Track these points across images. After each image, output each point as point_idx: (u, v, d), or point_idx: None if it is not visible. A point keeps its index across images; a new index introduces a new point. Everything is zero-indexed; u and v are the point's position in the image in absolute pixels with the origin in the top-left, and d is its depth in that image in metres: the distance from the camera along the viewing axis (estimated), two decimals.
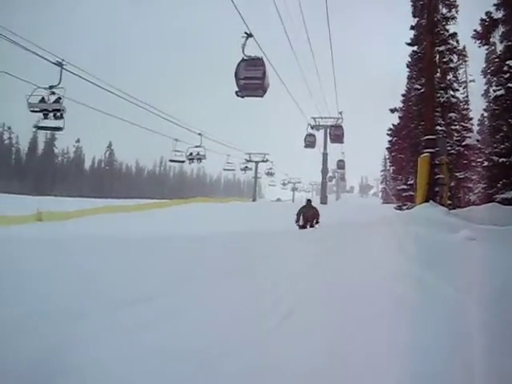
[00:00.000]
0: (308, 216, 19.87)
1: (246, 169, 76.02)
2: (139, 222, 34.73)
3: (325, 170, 76.32)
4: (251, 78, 18.18)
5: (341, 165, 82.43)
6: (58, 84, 25.60)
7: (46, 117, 27.89)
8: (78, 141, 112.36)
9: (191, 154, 48.26)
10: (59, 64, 25.04)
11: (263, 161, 78.85)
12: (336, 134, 59.11)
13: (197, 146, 47.52)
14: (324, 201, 72.83)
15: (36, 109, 27.51)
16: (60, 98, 26.67)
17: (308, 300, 5.83)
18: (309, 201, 21.85)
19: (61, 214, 40.93)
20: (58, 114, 27.49)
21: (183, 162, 49.24)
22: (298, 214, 19.93)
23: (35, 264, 8.69)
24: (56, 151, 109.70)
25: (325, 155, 74.17)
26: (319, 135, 66.62)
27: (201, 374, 3.56)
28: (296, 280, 6.86)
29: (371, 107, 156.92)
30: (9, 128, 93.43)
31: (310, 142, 58.48)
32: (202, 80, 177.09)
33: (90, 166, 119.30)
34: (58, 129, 27.86)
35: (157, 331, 4.53)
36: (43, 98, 26.95)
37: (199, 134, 46.27)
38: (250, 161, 76.89)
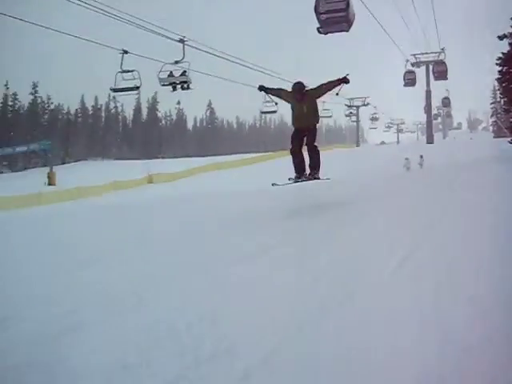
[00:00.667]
0: None
1: (350, 115, 74.67)
2: (247, 177, 35.56)
3: (429, 109, 73.80)
4: (333, 11, 16.43)
5: (446, 102, 78.55)
6: (183, 59, 27.69)
7: (174, 89, 30.05)
8: (178, 103, 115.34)
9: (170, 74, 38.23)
10: (181, 41, 27.11)
11: (364, 105, 77.50)
12: (439, 70, 56.22)
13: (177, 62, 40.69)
14: (430, 140, 70.77)
15: (166, 83, 29.66)
16: (185, 71, 28.86)
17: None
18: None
19: (170, 175, 42.58)
20: (185, 85, 29.61)
21: (275, 112, 47.75)
22: None
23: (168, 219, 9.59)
24: (159, 115, 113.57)
25: (428, 93, 71.68)
26: (420, 72, 64.54)
27: None
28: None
29: (476, 34, 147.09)
30: (113, 98, 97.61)
31: (409, 79, 55.39)
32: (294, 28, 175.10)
33: (193, 125, 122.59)
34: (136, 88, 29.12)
35: None
36: (171, 73, 29.25)
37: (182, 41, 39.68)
38: (351, 106, 75.66)
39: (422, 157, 34.21)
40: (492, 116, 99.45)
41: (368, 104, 77.37)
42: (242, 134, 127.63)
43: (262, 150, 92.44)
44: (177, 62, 27.77)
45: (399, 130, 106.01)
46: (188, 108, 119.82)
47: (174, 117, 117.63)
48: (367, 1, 19.69)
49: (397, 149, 63.78)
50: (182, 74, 29.20)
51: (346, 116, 76.96)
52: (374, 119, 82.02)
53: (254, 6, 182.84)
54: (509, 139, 27.74)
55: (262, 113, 50.01)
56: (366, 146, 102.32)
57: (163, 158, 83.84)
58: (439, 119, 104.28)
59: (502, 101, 36.44)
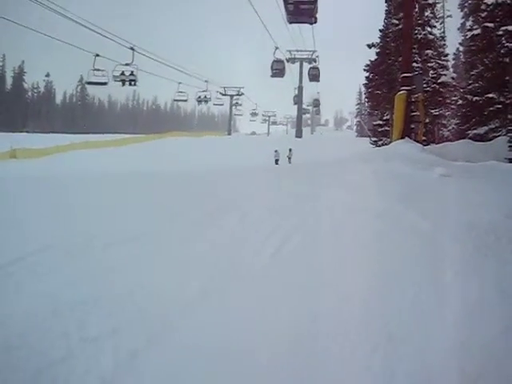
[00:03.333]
0: None
1: (203, 99, 68.40)
2: (117, 158, 34.83)
3: (300, 104, 76.53)
4: (301, 3, 16.55)
5: (316, 103, 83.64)
6: (132, 62, 35.34)
7: (123, 84, 39.14)
8: (47, 75, 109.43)
9: (122, 73, 40.23)
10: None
11: (238, 94, 78.52)
12: (313, 73, 60.31)
13: (126, 64, 38.94)
14: (299, 134, 73.43)
15: (118, 79, 38.91)
16: (133, 72, 38.09)
17: (296, 233, 6.44)
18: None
19: (36, 151, 40.33)
20: (133, 82, 38.76)
21: (185, 100, 52.35)
22: None
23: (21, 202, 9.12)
24: (26, 86, 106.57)
25: (300, 88, 74.25)
26: (295, 68, 67.01)
27: None
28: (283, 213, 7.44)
29: (347, 42, 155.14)
30: None
31: (277, 69, 48.88)
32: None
33: (62, 101, 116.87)
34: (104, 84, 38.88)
35: None
36: (123, 72, 38.34)
37: (131, 49, 37.28)
38: (224, 94, 76.43)
39: (290, 150, 35.57)
40: (356, 116, 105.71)
41: (242, 94, 78.56)
42: (114, 114, 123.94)
43: (133, 131, 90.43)
44: (127, 64, 34.64)
45: (269, 122, 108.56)
46: (58, 82, 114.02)
47: (42, 89, 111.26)
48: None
49: (267, 140, 65.69)
50: (131, 74, 38.15)
51: (199, 101, 72.47)
52: (236, 104, 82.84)
53: None
54: (371, 140, 29.50)
55: (175, 100, 56.26)
56: (237, 135, 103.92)
57: (28, 132, 78.87)
58: (308, 115, 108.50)
59: (367, 104, 38.73)
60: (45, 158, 37.59)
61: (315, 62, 60.79)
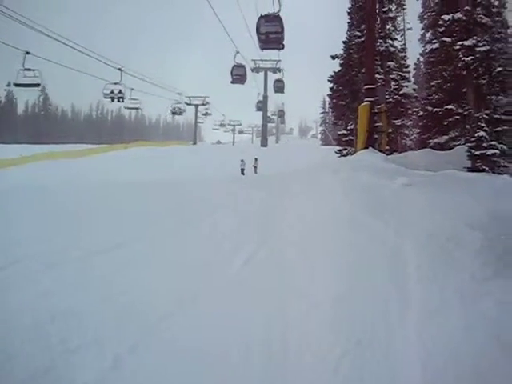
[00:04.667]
0: None
1: (177, 112, 68.91)
2: (83, 169, 34.53)
3: (265, 113, 77.02)
4: (271, 33, 19.86)
5: (281, 114, 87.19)
6: (120, 81, 38.10)
7: (112, 101, 42.33)
8: (8, 84, 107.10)
9: (112, 91, 43.40)
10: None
11: (203, 104, 78.41)
12: (278, 86, 62.63)
13: (116, 83, 42.78)
14: (264, 143, 73.80)
15: (108, 97, 41.87)
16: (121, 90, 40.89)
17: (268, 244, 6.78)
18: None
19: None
20: (121, 99, 42.52)
21: (138, 108, 50.55)
22: None
23: None
24: None
25: (265, 98, 74.82)
26: (259, 76, 67.69)
27: None
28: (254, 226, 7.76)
29: (311, 51, 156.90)
30: None
31: (238, 75, 43.90)
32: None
33: (24, 111, 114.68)
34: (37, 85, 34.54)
35: None
36: (112, 90, 41.01)
37: (119, 69, 41.11)
38: (189, 104, 76.27)
39: (256, 159, 35.89)
40: (321, 125, 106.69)
41: (207, 103, 78.53)
42: (77, 123, 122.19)
43: (97, 141, 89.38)
44: (116, 84, 36.23)
45: (235, 131, 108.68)
46: (19, 91, 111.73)
47: (3, 99, 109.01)
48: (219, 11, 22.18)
49: (232, 149, 65.86)
50: (119, 92, 41.73)
51: (173, 114, 71.88)
52: (206, 114, 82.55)
53: None
54: (335, 149, 29.93)
55: (126, 108, 52.24)
56: (203, 144, 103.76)
57: None
58: (273, 124, 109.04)
59: (332, 114, 39.28)
60: (9, 169, 37.00)
61: (279, 71, 61.36)
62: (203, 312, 4.79)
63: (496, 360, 3.63)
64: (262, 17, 20.06)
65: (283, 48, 21.04)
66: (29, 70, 33.12)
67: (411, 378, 3.60)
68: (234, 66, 40.13)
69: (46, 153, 47.50)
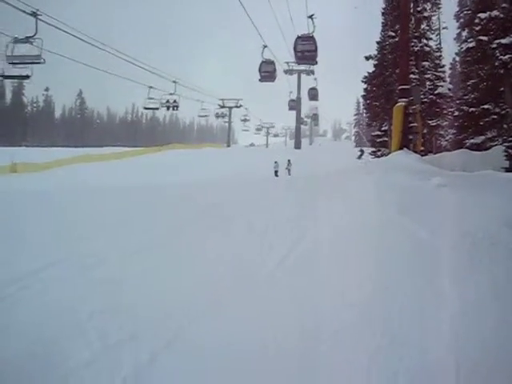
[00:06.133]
0: None
1: (220, 115, 76.10)
2: (120, 171, 35.04)
3: (298, 115, 77.00)
4: (306, 51, 23.58)
5: (313, 93, 70.29)
6: (35, 34, 25.30)
7: (168, 109, 47.23)
8: (46, 89, 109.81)
9: (167, 101, 49.32)
10: (34, 14, 24.45)
11: (237, 106, 78.58)
12: (312, 94, 66.11)
13: (171, 94, 48.44)
14: (298, 146, 73.79)
15: (164, 105, 47.71)
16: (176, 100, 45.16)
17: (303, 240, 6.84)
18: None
19: (36, 165, 40.18)
20: (176, 108, 48.37)
21: (157, 109, 49.74)
22: None
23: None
24: (25, 100, 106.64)
25: (298, 99, 74.86)
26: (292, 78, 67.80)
27: None
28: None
29: (345, 53, 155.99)
30: None
31: (267, 72, 37.19)
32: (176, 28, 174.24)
33: (61, 114, 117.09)
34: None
35: None
36: (168, 100, 47.11)
37: (174, 82, 46.72)
38: (223, 106, 76.75)
39: (289, 161, 35.93)
40: (355, 127, 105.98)
41: (241, 106, 78.72)
42: (113, 127, 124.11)
43: (132, 144, 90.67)
44: (28, 38, 25.54)
45: (268, 133, 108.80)
46: (57, 96, 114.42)
47: (42, 104, 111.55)
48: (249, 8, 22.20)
49: (266, 151, 66.03)
50: (174, 101, 48.00)
51: (217, 117, 78.18)
52: (244, 120, 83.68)
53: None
54: (369, 151, 29.82)
55: (146, 108, 51.52)
56: (236, 146, 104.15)
57: (27, 146, 78.94)
58: (307, 126, 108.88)
59: (366, 115, 39.05)
60: (46, 172, 37.69)
61: (313, 73, 61.19)
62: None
63: None
64: (298, 37, 23.56)
65: (316, 63, 25.49)
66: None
67: (446, 374, 3.59)
68: (262, 62, 35.28)
69: (81, 156, 48.27)
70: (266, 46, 29.65)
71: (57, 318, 4.71)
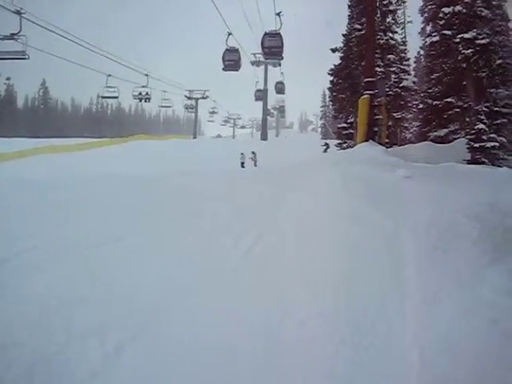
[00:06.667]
0: None
1: (189, 106, 76.02)
2: (84, 162, 34.60)
3: (265, 107, 77.09)
4: (273, 47, 24.26)
5: (280, 87, 71.41)
6: (19, 32, 26.23)
7: (140, 101, 49.54)
8: (8, 78, 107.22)
9: (140, 93, 50.58)
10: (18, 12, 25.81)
11: (203, 97, 78.14)
12: (279, 87, 68.10)
13: (143, 86, 49.37)
14: (264, 137, 73.91)
15: (136, 98, 49.60)
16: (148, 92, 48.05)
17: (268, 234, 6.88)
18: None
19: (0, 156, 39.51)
20: (147, 100, 50.28)
21: (116, 97, 48.64)
22: None
23: None
24: None
25: (265, 91, 74.90)
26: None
27: None
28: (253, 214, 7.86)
29: (311, 45, 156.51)
30: None
31: (231, 60, 33.15)
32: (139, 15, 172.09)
33: (24, 104, 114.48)
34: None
35: None
36: (140, 92, 48.11)
37: (146, 75, 47.71)
38: (190, 98, 76.30)
39: (254, 153, 36.02)
40: (321, 119, 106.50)
41: (207, 97, 78.27)
42: (77, 117, 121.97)
43: (96, 135, 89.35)
44: (12, 35, 26.34)
45: (236, 125, 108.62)
46: (19, 85, 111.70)
47: (3, 93, 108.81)
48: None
49: (232, 143, 65.96)
50: (146, 94, 49.61)
51: (186, 108, 78.04)
52: (213, 113, 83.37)
53: None
54: (335, 143, 29.99)
55: (103, 97, 48.67)
56: (203, 138, 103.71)
57: None
58: (274, 117, 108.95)
59: (332, 107, 39.31)
60: (8, 163, 36.94)
61: (280, 65, 61.18)
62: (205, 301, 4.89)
63: (494, 344, 3.71)
64: (266, 34, 24.26)
65: (282, 59, 26.17)
66: (110, 87, 46.31)
67: (410, 362, 3.67)
68: (226, 50, 32.05)
69: (46, 147, 47.40)
70: (230, 34, 27.84)
71: None
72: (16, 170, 29.63)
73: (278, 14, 24.05)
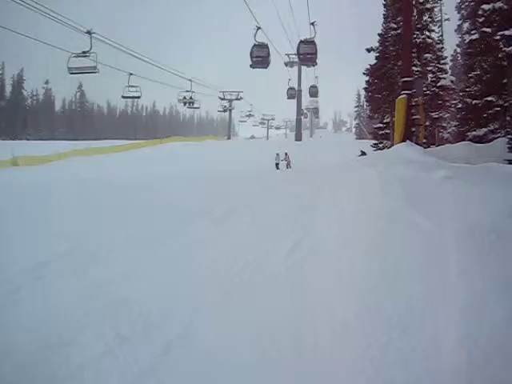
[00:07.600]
0: None
1: (227, 109, 77.60)
2: (120, 164, 35.03)
3: (299, 107, 76.85)
4: (261, 56, 26.43)
5: (313, 91, 73.82)
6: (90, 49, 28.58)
7: (184, 105, 54.41)
8: (46, 82, 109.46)
9: (184, 97, 55.34)
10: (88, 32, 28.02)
11: (237, 99, 78.44)
12: (313, 91, 70.28)
13: (187, 91, 53.51)
14: (298, 138, 73.68)
15: (181, 102, 55.42)
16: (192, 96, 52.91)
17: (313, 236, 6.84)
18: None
19: (38, 158, 40.14)
20: (191, 104, 55.50)
21: (138, 97, 47.75)
22: None
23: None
24: (25, 94, 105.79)
25: (299, 92, 74.63)
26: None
27: None
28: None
29: (346, 45, 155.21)
30: None
31: (259, 57, 29.26)
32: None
33: (61, 107, 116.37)
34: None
35: None
36: (185, 97, 53.63)
37: (190, 80, 51.70)
38: (224, 99, 76.68)
39: (286, 154, 35.90)
40: (355, 119, 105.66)
41: (241, 98, 78.52)
42: (113, 120, 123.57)
43: (132, 137, 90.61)
44: (84, 53, 28.72)
45: (269, 126, 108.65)
46: (56, 89, 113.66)
47: (41, 97, 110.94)
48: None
49: (266, 144, 65.95)
50: (190, 98, 54.13)
51: (224, 111, 79.35)
52: (249, 116, 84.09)
53: None
54: (371, 143, 29.76)
55: (124, 97, 47.20)
56: (237, 139, 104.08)
57: (28, 139, 78.87)
58: (307, 118, 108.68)
59: (367, 107, 39.01)
60: (47, 165, 37.58)
61: (314, 65, 60.92)
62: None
63: None
64: (301, 41, 25.77)
65: (316, 65, 30.88)
66: (132, 86, 43.52)
67: (458, 365, 3.60)
68: (255, 45, 28.59)
69: (82, 149, 48.15)
70: (259, 28, 26.37)
71: None
72: (54, 171, 30.11)
73: (313, 24, 25.42)
